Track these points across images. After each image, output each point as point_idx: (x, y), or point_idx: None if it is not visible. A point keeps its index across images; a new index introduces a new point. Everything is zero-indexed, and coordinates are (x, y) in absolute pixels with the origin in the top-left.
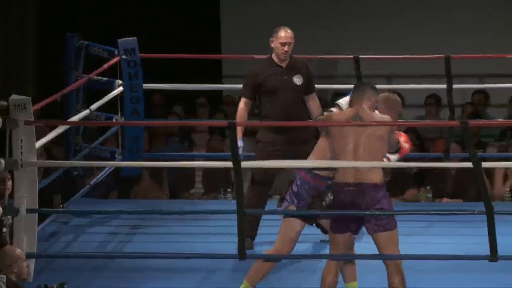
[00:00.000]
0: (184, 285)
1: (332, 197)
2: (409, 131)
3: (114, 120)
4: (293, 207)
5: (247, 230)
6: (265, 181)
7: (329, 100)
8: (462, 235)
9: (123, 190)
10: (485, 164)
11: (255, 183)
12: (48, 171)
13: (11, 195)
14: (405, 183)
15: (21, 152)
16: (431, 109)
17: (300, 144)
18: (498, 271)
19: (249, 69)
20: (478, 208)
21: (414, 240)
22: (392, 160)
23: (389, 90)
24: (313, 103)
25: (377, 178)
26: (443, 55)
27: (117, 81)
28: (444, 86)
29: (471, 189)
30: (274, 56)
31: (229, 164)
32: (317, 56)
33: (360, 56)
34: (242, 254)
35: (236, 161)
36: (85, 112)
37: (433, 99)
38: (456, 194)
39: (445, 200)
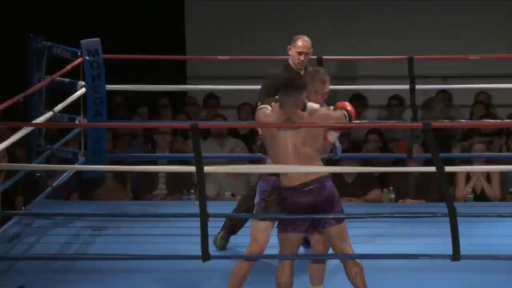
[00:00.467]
0: (147, 287)
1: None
2: (373, 132)
3: (77, 122)
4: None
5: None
6: None
7: None
8: (426, 236)
9: (86, 192)
10: (447, 168)
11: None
12: (10, 173)
13: None
14: (368, 184)
15: None
16: (394, 109)
17: None
18: (460, 270)
19: (212, 70)
20: (441, 209)
21: (378, 240)
22: (332, 139)
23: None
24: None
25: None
26: (406, 56)
27: (80, 82)
28: (407, 86)
29: (433, 190)
30: (291, 64)
31: (192, 168)
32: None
33: (324, 57)
34: (205, 255)
35: (199, 163)
36: (49, 113)
37: (396, 100)
38: (419, 195)
39: (408, 200)
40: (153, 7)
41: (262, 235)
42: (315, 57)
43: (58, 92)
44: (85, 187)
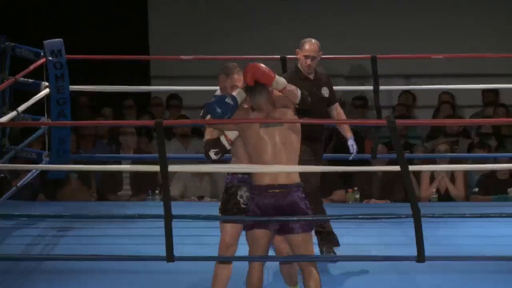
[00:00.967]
0: (113, 287)
1: (248, 193)
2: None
3: None
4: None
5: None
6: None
7: None
8: (390, 236)
9: (50, 192)
10: (412, 167)
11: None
12: None
13: None
14: (332, 184)
15: None
16: (358, 110)
17: (317, 143)
18: (426, 271)
19: (177, 70)
20: (405, 209)
21: (343, 241)
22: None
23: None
24: (338, 113)
25: (297, 176)
26: (369, 55)
27: (43, 82)
28: (371, 87)
29: (398, 190)
30: (300, 68)
31: (156, 168)
32: (246, 56)
33: (288, 56)
34: (169, 256)
35: (163, 163)
36: (12, 114)
37: (360, 100)
38: (384, 195)
39: (372, 201)
40: (116, 7)
41: (228, 234)
42: (278, 56)
43: (21, 93)
44: (49, 187)
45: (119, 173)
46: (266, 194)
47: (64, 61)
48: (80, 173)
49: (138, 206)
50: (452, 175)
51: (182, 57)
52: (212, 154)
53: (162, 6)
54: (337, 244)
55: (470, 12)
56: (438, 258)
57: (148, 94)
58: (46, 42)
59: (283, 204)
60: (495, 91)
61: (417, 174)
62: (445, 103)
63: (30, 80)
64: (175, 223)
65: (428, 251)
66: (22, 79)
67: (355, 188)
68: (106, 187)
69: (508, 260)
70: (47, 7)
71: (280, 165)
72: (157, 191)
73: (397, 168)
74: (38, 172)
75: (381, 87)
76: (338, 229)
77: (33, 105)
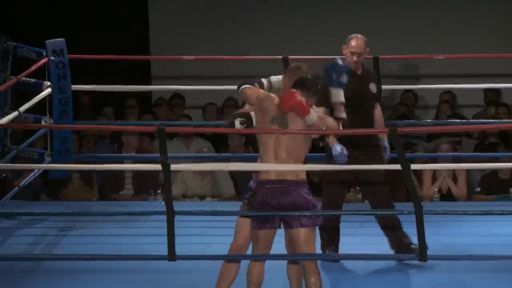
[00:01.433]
0: (114, 286)
1: None
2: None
3: (43, 122)
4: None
5: (326, 240)
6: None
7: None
8: None
9: (52, 192)
10: (413, 166)
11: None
12: None
13: None
14: None
15: None
16: None
17: (367, 149)
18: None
19: (178, 70)
20: (407, 209)
21: (345, 240)
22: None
23: None
24: (377, 112)
25: (298, 174)
26: (371, 56)
27: (45, 82)
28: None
29: (400, 190)
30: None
31: (158, 167)
32: (248, 56)
33: (289, 56)
34: (171, 255)
35: (165, 163)
36: (14, 113)
37: None
38: None
39: None
40: (117, 7)
41: (242, 237)
42: (280, 57)
43: (24, 93)
44: (51, 187)
45: (121, 172)
46: (265, 188)
47: (66, 60)
48: (82, 173)
49: (140, 206)
50: (454, 175)
51: (184, 57)
52: (237, 122)
53: (162, 6)
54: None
55: (470, 12)
56: (440, 257)
57: (149, 93)
58: (48, 41)
59: (283, 201)
60: (497, 91)
61: (419, 174)
62: (446, 103)
63: (32, 80)
64: (176, 223)
65: (431, 250)
66: (24, 78)
67: (357, 188)
68: (108, 186)
69: (510, 259)
70: (47, 7)
71: (281, 160)
72: (159, 191)
73: (398, 167)
74: (40, 172)
75: (383, 87)
76: (340, 228)
77: (35, 104)
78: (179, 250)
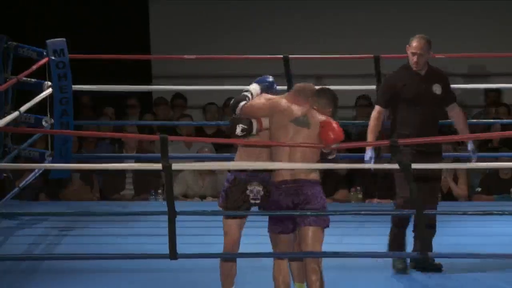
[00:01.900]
0: (115, 286)
1: (260, 188)
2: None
3: (43, 122)
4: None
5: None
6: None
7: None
8: None
9: (53, 192)
10: (414, 166)
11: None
12: None
13: None
14: (336, 184)
15: None
16: (363, 110)
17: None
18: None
19: (179, 69)
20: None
21: (346, 240)
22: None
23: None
24: (456, 113)
25: (313, 175)
26: (373, 55)
27: (46, 82)
28: (374, 86)
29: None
30: (410, 64)
31: (159, 166)
32: (249, 56)
33: (290, 56)
34: (173, 254)
35: (166, 164)
36: (15, 114)
37: (364, 99)
38: (386, 195)
39: (375, 200)
40: (117, 7)
41: (231, 229)
42: (281, 56)
43: (24, 93)
44: (51, 187)
45: (122, 172)
46: (280, 189)
47: (67, 60)
48: (83, 173)
49: (140, 206)
50: (454, 175)
51: (185, 56)
52: (239, 128)
53: (163, 6)
54: None
55: (470, 12)
56: (441, 256)
57: (149, 93)
58: (49, 41)
59: (297, 199)
60: (498, 91)
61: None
62: None
63: (33, 80)
64: (177, 223)
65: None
66: (25, 78)
67: (358, 188)
68: (108, 187)
69: (511, 258)
70: (47, 7)
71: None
72: (159, 191)
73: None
74: (40, 172)
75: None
76: (341, 228)
77: (35, 104)
78: (180, 249)
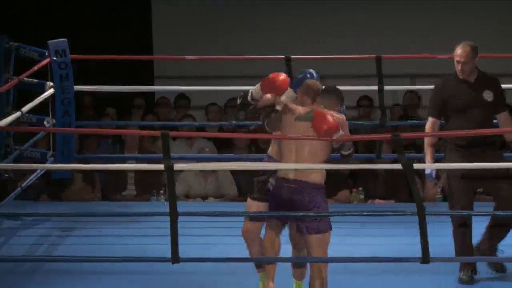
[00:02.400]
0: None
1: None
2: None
3: (45, 122)
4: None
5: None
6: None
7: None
8: (395, 236)
9: (54, 193)
10: (416, 165)
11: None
12: None
13: None
14: (337, 184)
15: None
16: (364, 110)
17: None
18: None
19: (181, 69)
20: (410, 209)
21: (348, 241)
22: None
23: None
24: (506, 122)
25: (316, 178)
26: (374, 55)
27: (48, 82)
28: (376, 87)
29: (403, 190)
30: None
31: (160, 167)
32: (251, 56)
33: (292, 56)
34: (174, 258)
35: (168, 164)
36: (16, 114)
37: (365, 100)
38: (388, 195)
39: (377, 201)
40: (119, 7)
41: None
42: (283, 56)
43: (26, 93)
44: (53, 188)
45: (124, 173)
46: (282, 186)
47: (69, 61)
48: (84, 173)
49: (142, 206)
50: None
51: (187, 57)
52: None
53: (165, 6)
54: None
55: (470, 12)
56: (442, 259)
57: (151, 94)
58: (50, 42)
59: (297, 200)
60: None
61: (422, 174)
62: None
63: (35, 80)
64: (179, 224)
65: (433, 252)
66: (26, 79)
67: (360, 188)
68: (110, 187)
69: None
70: (48, 7)
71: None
72: (161, 191)
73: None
74: (42, 172)
75: (386, 87)
76: (342, 229)
77: (37, 105)
78: (182, 250)
